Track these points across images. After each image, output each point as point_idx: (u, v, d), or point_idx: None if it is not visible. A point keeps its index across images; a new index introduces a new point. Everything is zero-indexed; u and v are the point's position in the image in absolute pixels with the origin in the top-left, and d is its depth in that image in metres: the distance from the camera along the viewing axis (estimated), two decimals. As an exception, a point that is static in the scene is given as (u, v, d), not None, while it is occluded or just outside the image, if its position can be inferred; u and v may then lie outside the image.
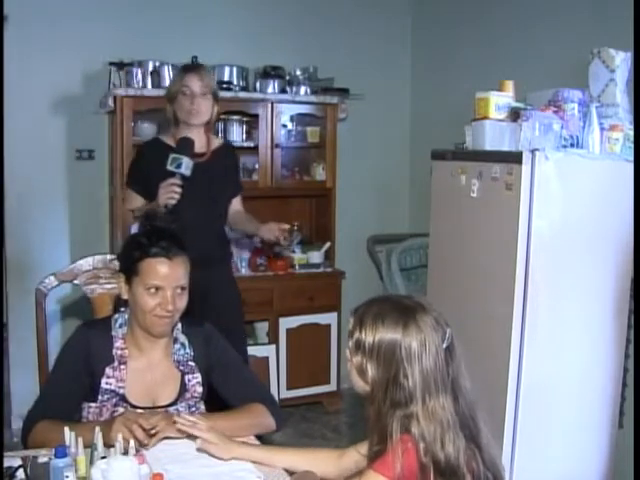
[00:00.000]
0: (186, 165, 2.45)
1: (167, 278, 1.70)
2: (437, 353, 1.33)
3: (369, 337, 1.34)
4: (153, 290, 1.70)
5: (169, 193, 2.44)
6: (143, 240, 1.74)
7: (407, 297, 1.45)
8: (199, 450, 1.57)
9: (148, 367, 1.78)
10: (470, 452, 1.32)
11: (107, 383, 1.74)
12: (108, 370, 1.74)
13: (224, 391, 1.87)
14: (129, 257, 1.74)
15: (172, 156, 2.46)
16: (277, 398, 3.49)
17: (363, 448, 1.45)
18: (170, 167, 2.45)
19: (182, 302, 1.74)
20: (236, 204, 2.82)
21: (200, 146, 2.62)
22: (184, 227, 2.47)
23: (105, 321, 1.85)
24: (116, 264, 1.89)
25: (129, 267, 1.74)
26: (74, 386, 1.73)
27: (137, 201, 2.64)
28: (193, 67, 2.70)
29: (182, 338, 1.84)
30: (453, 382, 1.35)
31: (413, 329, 1.33)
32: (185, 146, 2.51)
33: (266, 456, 1.59)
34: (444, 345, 1.35)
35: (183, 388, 1.80)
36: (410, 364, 1.31)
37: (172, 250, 1.71)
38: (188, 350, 1.83)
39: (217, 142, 2.76)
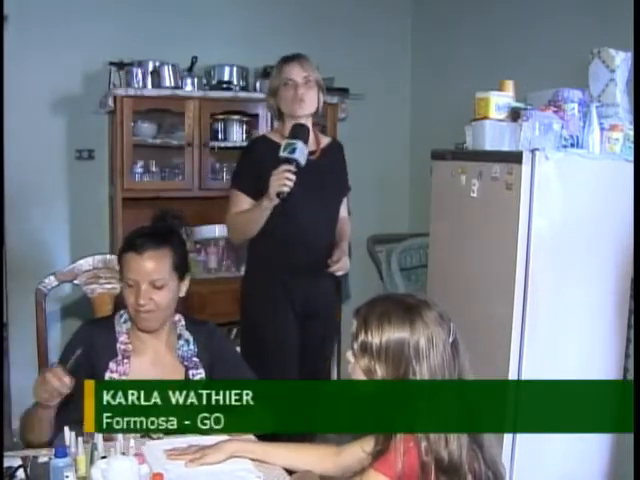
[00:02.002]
0: (300, 150, 2.28)
1: (138, 272, 1.72)
2: (444, 348, 1.33)
3: (376, 338, 1.33)
4: (130, 284, 1.73)
5: (282, 180, 2.25)
6: (130, 235, 1.80)
7: (409, 295, 1.44)
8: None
9: (152, 362, 1.80)
10: (472, 452, 1.32)
11: (110, 378, 1.75)
12: (112, 365, 1.76)
13: None
14: (118, 252, 1.81)
15: (286, 142, 2.31)
16: (277, 398, 3.49)
17: (368, 445, 1.44)
18: (283, 153, 2.28)
19: (162, 298, 1.74)
20: (343, 208, 2.64)
21: (310, 143, 2.46)
22: (294, 230, 2.41)
23: (108, 319, 1.87)
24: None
25: (118, 262, 1.80)
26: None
27: (244, 203, 2.45)
28: (293, 56, 2.52)
29: (186, 335, 1.85)
30: (459, 377, 1.35)
31: (420, 326, 1.32)
32: (299, 132, 2.34)
33: (263, 452, 1.59)
34: (450, 340, 1.34)
35: None
36: (418, 361, 1.31)
37: (145, 245, 1.73)
38: (192, 346, 1.84)
39: (326, 140, 2.61)
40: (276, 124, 2.56)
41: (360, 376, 1.38)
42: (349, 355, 1.40)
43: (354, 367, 1.38)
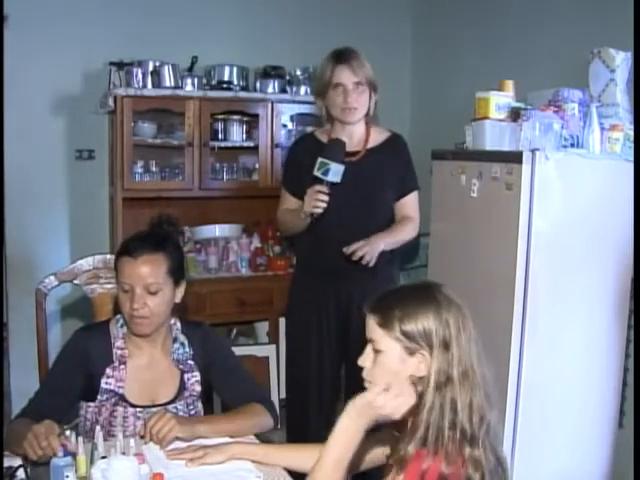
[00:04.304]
0: (334, 172, 2.25)
1: (132, 277, 1.72)
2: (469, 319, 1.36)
3: (413, 324, 1.32)
4: (125, 288, 1.73)
5: (314, 202, 2.26)
6: (126, 239, 1.81)
7: (417, 283, 1.48)
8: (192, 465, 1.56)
9: (148, 366, 1.80)
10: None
11: (107, 383, 1.75)
12: (108, 370, 1.76)
13: (221, 389, 1.90)
14: (115, 256, 1.81)
15: (320, 160, 2.26)
16: (277, 398, 3.50)
17: (382, 443, 1.44)
18: (317, 173, 2.26)
19: (157, 304, 1.74)
20: (404, 208, 2.48)
21: (356, 143, 2.41)
22: (326, 234, 2.36)
23: (102, 324, 1.87)
24: None
25: (114, 266, 1.79)
26: (66, 387, 1.75)
27: (290, 202, 2.47)
28: (344, 56, 2.37)
29: (182, 338, 1.86)
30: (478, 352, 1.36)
31: (444, 303, 1.34)
32: (335, 150, 2.29)
33: (263, 454, 1.59)
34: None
35: (182, 386, 1.82)
36: (451, 337, 1.32)
37: (139, 249, 1.73)
38: (187, 349, 1.85)
39: (380, 137, 2.48)
40: (326, 125, 2.49)
41: (394, 363, 1.34)
42: (365, 360, 1.38)
43: (391, 358, 1.34)
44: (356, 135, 2.43)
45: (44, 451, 1.44)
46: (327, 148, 2.33)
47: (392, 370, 1.34)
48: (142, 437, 1.62)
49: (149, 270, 1.72)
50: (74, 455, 1.44)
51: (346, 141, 2.35)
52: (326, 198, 2.27)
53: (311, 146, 2.43)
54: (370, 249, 2.29)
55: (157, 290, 1.73)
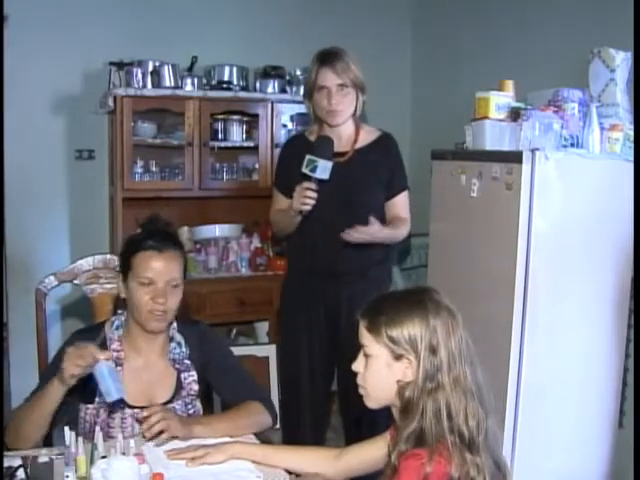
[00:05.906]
0: (322, 169, 2.25)
1: (158, 271, 1.72)
2: (459, 325, 1.36)
3: (398, 330, 1.33)
4: (145, 282, 1.72)
5: (303, 198, 2.25)
6: (138, 236, 1.79)
7: (410, 288, 1.47)
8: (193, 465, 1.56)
9: (144, 367, 1.80)
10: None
11: None
12: None
13: (219, 388, 1.90)
14: (125, 253, 1.79)
15: (308, 157, 2.26)
16: (277, 398, 3.49)
17: (384, 446, 1.44)
18: (305, 170, 2.26)
19: (175, 299, 1.75)
20: (394, 208, 2.47)
21: (344, 144, 2.41)
22: (313, 236, 2.37)
23: (98, 327, 1.87)
24: (117, 264, 1.92)
25: (124, 263, 1.78)
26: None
27: (282, 202, 2.47)
28: (328, 58, 2.36)
29: (178, 337, 1.86)
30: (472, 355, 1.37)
31: (431, 309, 1.34)
32: (322, 147, 2.29)
33: (263, 454, 1.59)
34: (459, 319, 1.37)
35: (179, 386, 1.82)
36: (438, 342, 1.32)
37: (164, 244, 1.74)
38: (184, 349, 1.85)
39: (370, 137, 2.47)
40: (314, 126, 2.50)
41: (382, 372, 1.35)
42: (358, 365, 1.39)
43: (379, 363, 1.36)
44: (344, 136, 2.43)
45: (85, 359, 1.54)
46: (315, 145, 2.33)
47: (381, 375, 1.36)
48: (144, 435, 1.62)
49: (173, 265, 1.74)
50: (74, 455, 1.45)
51: (334, 141, 2.36)
52: (314, 195, 2.26)
53: (301, 146, 2.43)
54: (364, 230, 2.28)
55: (177, 285, 1.75)
